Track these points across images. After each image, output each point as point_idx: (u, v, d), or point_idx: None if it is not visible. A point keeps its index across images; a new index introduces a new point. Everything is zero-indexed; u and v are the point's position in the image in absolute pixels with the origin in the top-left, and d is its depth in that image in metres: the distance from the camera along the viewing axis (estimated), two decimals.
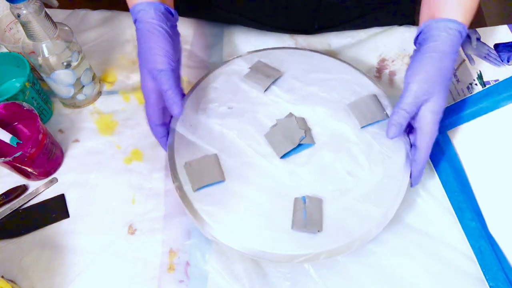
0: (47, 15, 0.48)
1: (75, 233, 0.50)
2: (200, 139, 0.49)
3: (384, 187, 0.47)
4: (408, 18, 0.68)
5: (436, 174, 0.53)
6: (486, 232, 0.47)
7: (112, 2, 0.70)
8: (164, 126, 0.49)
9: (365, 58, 0.64)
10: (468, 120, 0.51)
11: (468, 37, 0.58)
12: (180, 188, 0.46)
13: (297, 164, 0.48)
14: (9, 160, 0.47)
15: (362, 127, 0.50)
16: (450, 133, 0.52)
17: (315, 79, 0.53)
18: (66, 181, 0.53)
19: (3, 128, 0.49)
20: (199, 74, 0.58)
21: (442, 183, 0.52)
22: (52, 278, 0.47)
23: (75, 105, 0.59)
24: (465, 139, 0.51)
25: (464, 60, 0.57)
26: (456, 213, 0.49)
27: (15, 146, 0.49)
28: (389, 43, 0.65)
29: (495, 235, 0.46)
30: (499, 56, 0.57)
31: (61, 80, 0.53)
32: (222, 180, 0.46)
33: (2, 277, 0.46)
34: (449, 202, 0.50)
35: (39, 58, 0.50)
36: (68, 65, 0.52)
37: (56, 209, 0.51)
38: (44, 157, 0.50)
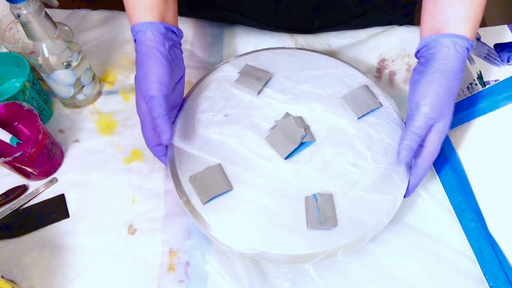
0: (47, 15, 0.48)
1: (75, 233, 0.50)
2: (201, 151, 0.48)
3: (389, 175, 0.47)
4: (408, 18, 0.68)
5: (436, 174, 0.53)
6: (486, 232, 0.47)
7: (112, 2, 0.70)
8: (162, 145, 0.48)
9: (365, 58, 0.64)
10: (468, 120, 0.51)
11: None
12: (188, 203, 0.46)
13: (301, 163, 0.48)
14: (9, 160, 0.47)
15: (358, 118, 0.50)
16: (450, 133, 0.52)
17: (306, 76, 0.54)
18: (66, 181, 0.53)
19: (3, 128, 0.49)
20: (199, 74, 0.58)
21: (442, 183, 0.52)
22: (52, 278, 0.47)
23: (75, 105, 0.59)
24: (465, 139, 0.51)
25: None
26: (456, 213, 0.49)
27: (15, 146, 0.49)
28: (389, 43, 0.65)
29: (495, 235, 0.46)
30: (499, 56, 0.57)
31: (61, 80, 0.53)
32: (229, 189, 0.46)
33: (2, 277, 0.46)
34: (449, 202, 0.50)
35: (39, 58, 0.50)
36: (68, 65, 0.52)
37: (56, 209, 0.51)
38: (44, 157, 0.50)
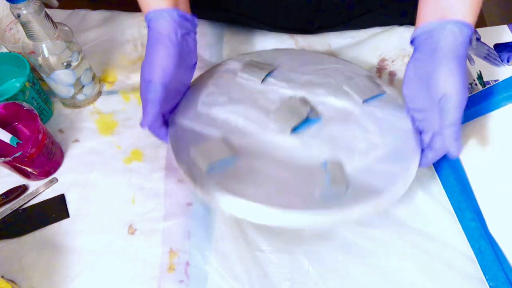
0: (47, 15, 0.48)
1: (75, 233, 0.50)
2: (205, 127, 0.47)
3: (400, 148, 0.46)
4: (408, 18, 0.68)
5: (436, 174, 0.53)
6: (486, 232, 0.47)
7: (112, 2, 0.70)
8: (164, 127, 0.49)
9: (365, 58, 0.64)
10: (468, 120, 0.51)
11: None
12: (189, 172, 0.43)
13: (308, 136, 0.47)
14: (9, 160, 0.47)
15: (363, 101, 0.50)
16: None
17: (310, 69, 0.54)
18: (66, 181, 0.53)
19: (3, 128, 0.49)
20: (199, 73, 0.58)
21: (442, 183, 0.52)
22: (52, 278, 0.47)
23: (75, 105, 0.59)
24: (465, 139, 0.51)
25: None
26: (456, 213, 0.49)
27: (15, 146, 0.50)
28: (389, 43, 0.65)
29: (495, 235, 0.46)
30: (499, 56, 0.57)
31: (61, 80, 0.53)
32: (234, 155, 0.44)
33: (2, 277, 0.46)
34: (449, 202, 0.50)
35: (39, 58, 0.50)
36: (68, 65, 0.52)
37: (56, 209, 0.51)
38: (44, 157, 0.50)
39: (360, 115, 0.49)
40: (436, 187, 0.52)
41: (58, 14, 0.68)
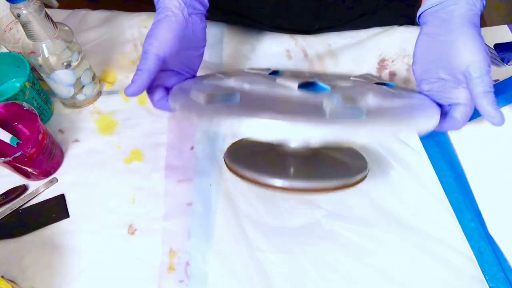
0: (47, 15, 0.48)
1: (75, 233, 0.50)
2: (216, 87, 0.44)
3: (419, 103, 0.43)
4: (408, 18, 0.68)
5: (435, 175, 0.53)
6: (485, 233, 0.47)
7: (112, 2, 0.70)
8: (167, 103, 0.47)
9: (365, 58, 0.64)
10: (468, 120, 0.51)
11: None
12: (188, 105, 0.40)
13: (317, 93, 0.43)
14: (9, 160, 0.47)
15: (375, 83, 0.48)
16: (450, 133, 0.52)
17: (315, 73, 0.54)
18: (66, 181, 0.53)
19: (3, 128, 0.49)
20: (198, 73, 0.57)
21: (441, 184, 0.52)
22: (52, 278, 0.47)
23: (75, 105, 0.59)
24: (464, 139, 0.51)
25: None
26: (455, 214, 0.49)
27: (15, 146, 0.50)
28: (389, 43, 0.65)
29: (494, 235, 0.47)
30: (499, 56, 0.57)
31: (61, 80, 0.53)
32: (235, 93, 0.40)
33: (2, 277, 0.46)
34: (448, 203, 0.50)
35: (39, 58, 0.50)
36: (68, 65, 0.52)
37: (56, 209, 0.51)
38: (44, 157, 0.50)
39: (374, 87, 0.46)
40: (436, 188, 0.52)
41: (58, 14, 0.68)
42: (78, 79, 0.55)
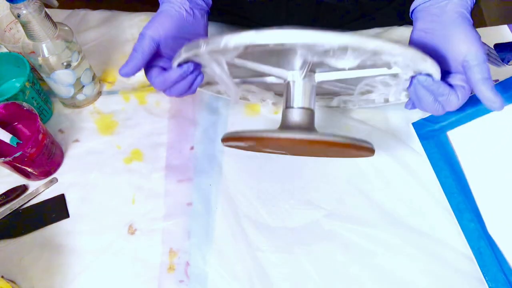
0: (47, 15, 0.48)
1: (75, 233, 0.50)
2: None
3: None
4: (408, 18, 0.68)
5: (435, 175, 0.53)
6: (485, 233, 0.47)
7: (112, 2, 0.70)
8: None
9: None
10: (467, 120, 0.51)
11: None
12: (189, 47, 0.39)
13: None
14: (9, 160, 0.47)
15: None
16: (449, 133, 0.52)
17: None
18: (66, 181, 0.53)
19: (3, 128, 0.49)
20: None
21: (441, 184, 0.52)
22: (52, 278, 0.47)
23: (75, 105, 0.59)
24: (464, 140, 0.51)
25: None
26: (455, 214, 0.49)
27: (15, 146, 0.50)
28: None
29: (494, 236, 0.47)
30: (499, 56, 0.57)
31: (61, 80, 0.53)
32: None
33: (2, 277, 0.46)
34: (448, 203, 0.50)
35: (39, 58, 0.50)
36: (68, 65, 0.52)
37: (56, 209, 0.51)
38: (44, 157, 0.50)
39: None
40: (436, 188, 0.52)
41: (58, 14, 0.68)
42: (78, 79, 0.55)
